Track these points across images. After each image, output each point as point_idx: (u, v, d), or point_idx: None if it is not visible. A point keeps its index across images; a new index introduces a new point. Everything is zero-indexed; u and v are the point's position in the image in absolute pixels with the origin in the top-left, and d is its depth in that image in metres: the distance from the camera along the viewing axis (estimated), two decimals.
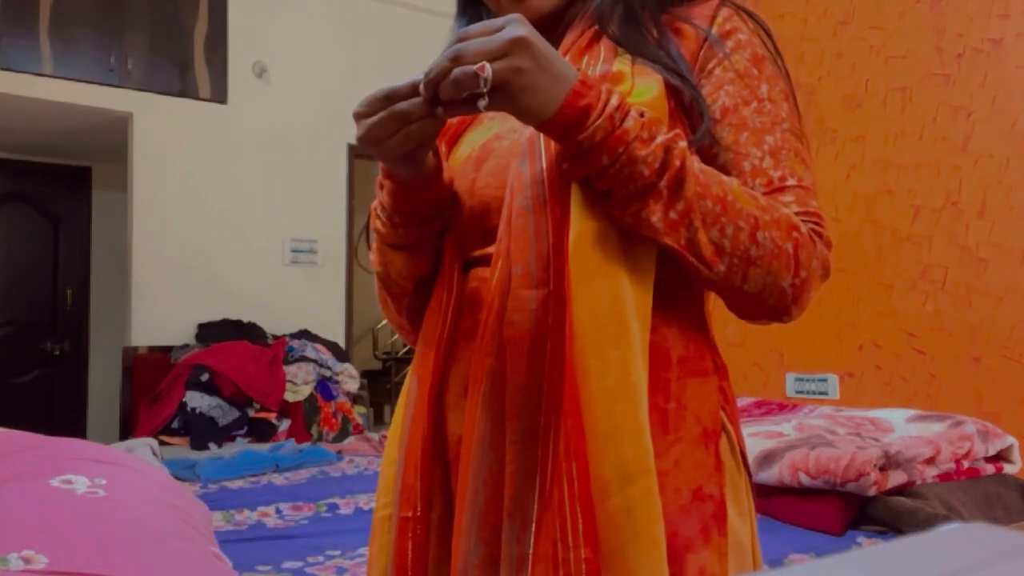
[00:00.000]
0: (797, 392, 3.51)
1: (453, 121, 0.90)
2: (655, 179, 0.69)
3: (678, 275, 0.75)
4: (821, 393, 3.42)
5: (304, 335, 4.39)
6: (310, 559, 1.88)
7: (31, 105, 4.07)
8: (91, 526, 1.23)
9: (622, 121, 0.69)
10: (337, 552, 1.93)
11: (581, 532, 0.68)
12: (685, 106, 0.78)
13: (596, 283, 0.71)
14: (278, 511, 2.35)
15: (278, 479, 2.87)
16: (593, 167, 0.70)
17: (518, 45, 0.65)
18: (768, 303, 0.75)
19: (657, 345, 0.75)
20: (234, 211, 4.41)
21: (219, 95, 4.39)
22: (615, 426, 0.68)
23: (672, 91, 0.77)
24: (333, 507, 2.40)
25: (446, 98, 0.66)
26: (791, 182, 0.76)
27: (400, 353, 6.66)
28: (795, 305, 0.76)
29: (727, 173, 0.76)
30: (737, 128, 0.78)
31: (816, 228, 0.75)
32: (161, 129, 4.25)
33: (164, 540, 1.29)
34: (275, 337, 4.29)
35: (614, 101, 0.69)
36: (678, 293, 0.78)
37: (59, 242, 5.38)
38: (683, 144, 0.70)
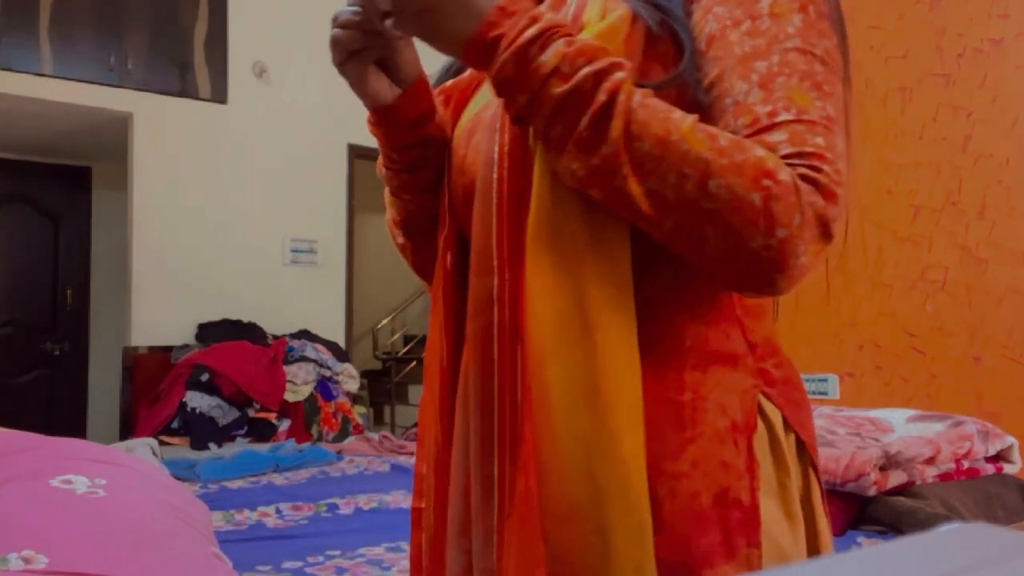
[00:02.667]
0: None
1: (459, 86, 0.84)
2: (576, 118, 0.60)
3: None
4: (821, 393, 3.42)
5: (304, 335, 4.39)
6: (310, 559, 1.88)
7: (31, 105, 4.07)
8: (91, 526, 1.23)
9: (539, 53, 0.60)
10: (337, 552, 1.93)
11: (541, 554, 0.62)
12: (664, 40, 0.66)
13: (556, 276, 0.63)
14: (278, 511, 2.35)
15: (278, 479, 2.87)
16: (512, 108, 0.63)
17: None
18: (740, 269, 0.60)
19: (662, 331, 0.66)
20: (234, 211, 4.41)
21: (219, 95, 4.39)
22: (580, 439, 0.61)
23: (641, 21, 0.65)
24: (333, 507, 2.40)
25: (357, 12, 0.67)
26: (784, 116, 0.60)
27: (400, 353, 6.66)
28: (780, 273, 0.59)
29: (713, 119, 0.63)
30: (722, 59, 0.63)
31: (809, 172, 0.59)
32: (161, 129, 4.25)
33: (164, 540, 1.29)
34: (275, 337, 4.29)
35: (531, 31, 0.61)
36: (686, 270, 0.66)
37: (59, 242, 5.38)
38: (619, 75, 0.60)
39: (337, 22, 0.72)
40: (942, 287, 3.07)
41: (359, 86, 0.77)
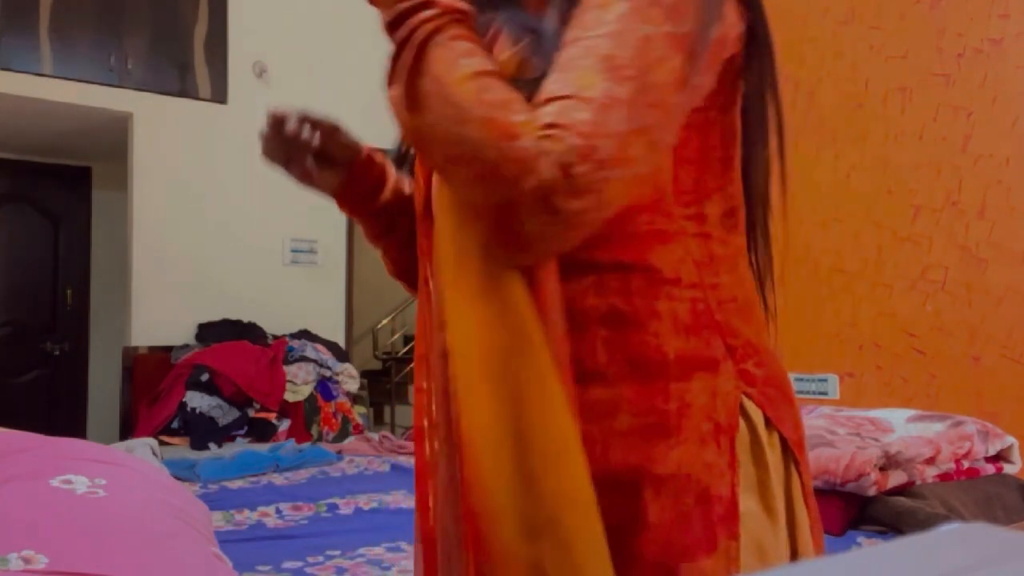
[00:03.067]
0: (797, 392, 3.50)
1: None
2: (392, 49, 0.65)
3: (668, 260, 0.70)
4: (821, 393, 3.42)
5: (304, 335, 4.39)
6: (310, 559, 1.88)
7: (31, 105, 4.07)
8: (91, 526, 1.23)
9: None
10: (337, 552, 1.93)
11: None
12: None
13: (469, 305, 0.66)
14: (278, 511, 2.35)
15: (278, 479, 2.87)
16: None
17: None
18: (484, 224, 0.63)
19: (647, 344, 0.69)
20: (234, 211, 4.41)
21: (219, 95, 4.39)
22: (506, 478, 0.63)
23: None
24: (333, 507, 2.40)
25: None
26: (563, 92, 0.60)
27: (400, 353, 6.66)
28: (502, 235, 0.62)
29: None
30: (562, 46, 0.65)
31: (552, 145, 0.58)
32: (161, 129, 4.25)
33: (164, 540, 1.29)
34: (275, 337, 4.29)
35: None
36: (663, 282, 0.70)
37: (59, 242, 5.38)
38: (426, 13, 0.63)
39: (262, 138, 0.85)
40: (942, 287, 3.07)
41: (306, 183, 0.89)
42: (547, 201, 0.58)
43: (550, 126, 0.59)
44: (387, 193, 0.90)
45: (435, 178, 0.74)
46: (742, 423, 0.70)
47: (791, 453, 0.73)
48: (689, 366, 0.69)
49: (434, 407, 0.75)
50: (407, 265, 0.92)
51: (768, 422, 0.72)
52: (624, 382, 0.69)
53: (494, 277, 0.66)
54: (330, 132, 0.88)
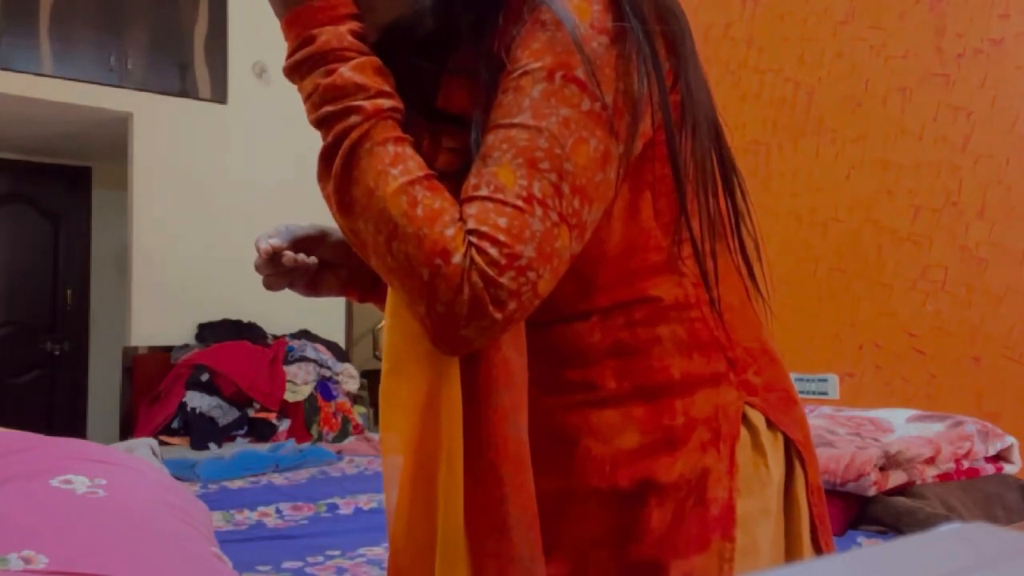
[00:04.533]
0: (797, 392, 3.51)
1: None
2: (322, 150, 0.66)
3: (666, 288, 0.72)
4: (821, 393, 3.42)
5: (304, 335, 4.39)
6: (310, 559, 1.88)
7: (31, 105, 4.07)
8: (91, 526, 1.23)
9: (300, 78, 0.67)
10: (337, 552, 1.93)
11: None
12: None
13: (404, 412, 0.70)
14: (278, 511, 2.35)
15: (278, 479, 2.87)
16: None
17: None
18: (420, 324, 0.65)
19: (653, 368, 0.72)
20: (234, 211, 4.40)
21: (219, 95, 4.39)
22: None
23: None
24: (333, 507, 2.40)
25: None
26: (482, 192, 0.62)
27: None
28: (443, 342, 0.64)
29: None
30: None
31: (476, 254, 0.61)
32: (161, 129, 4.25)
33: (164, 540, 1.29)
34: (275, 337, 4.29)
35: (301, 54, 0.66)
36: (664, 308, 0.73)
37: (59, 242, 5.38)
38: (353, 119, 0.64)
39: (259, 271, 0.85)
40: (942, 287, 3.07)
41: (314, 295, 0.90)
42: (481, 311, 0.61)
43: (473, 233, 0.61)
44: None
45: None
46: (743, 429, 0.74)
47: (796, 452, 0.76)
48: (693, 383, 0.73)
49: None
50: None
51: (771, 424, 0.75)
52: (633, 403, 0.72)
53: (432, 368, 0.68)
54: (319, 241, 0.89)
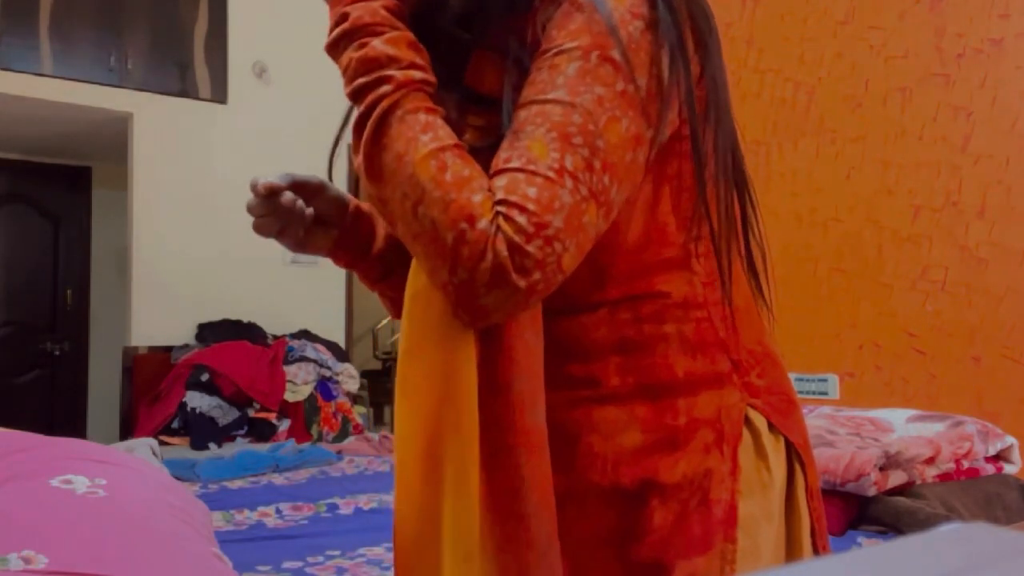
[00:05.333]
0: (797, 392, 3.50)
1: None
2: (355, 120, 0.67)
3: (676, 284, 0.73)
4: (821, 393, 3.42)
5: (304, 335, 4.39)
6: (310, 559, 1.88)
7: (31, 105, 4.07)
8: (91, 526, 1.23)
9: (337, 54, 0.69)
10: (337, 552, 1.93)
11: None
12: None
13: (415, 387, 0.68)
14: (278, 511, 2.35)
15: (278, 479, 2.87)
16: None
17: None
18: (442, 294, 0.65)
19: (657, 366, 0.72)
20: (234, 211, 4.39)
21: (219, 95, 4.39)
22: (421, 560, 0.67)
23: None
24: (333, 507, 2.40)
25: None
26: (513, 164, 0.63)
27: None
28: (463, 309, 0.63)
29: None
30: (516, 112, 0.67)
31: (504, 222, 0.61)
32: (161, 129, 4.25)
33: (164, 540, 1.29)
34: (275, 337, 4.29)
35: (337, 31, 0.68)
36: (672, 306, 0.73)
37: (59, 242, 5.38)
38: (383, 89, 0.65)
39: (252, 212, 0.81)
40: (942, 287, 3.07)
41: (301, 250, 0.86)
42: (503, 278, 0.61)
43: (502, 203, 0.61)
44: (379, 242, 0.88)
45: None
46: (745, 431, 0.74)
47: (797, 455, 0.76)
48: (697, 383, 0.73)
49: None
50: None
51: (772, 427, 0.75)
52: (636, 401, 0.72)
53: (448, 352, 0.66)
54: (317, 191, 0.86)
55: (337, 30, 0.68)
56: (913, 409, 2.50)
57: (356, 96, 0.67)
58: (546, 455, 0.68)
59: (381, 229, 0.88)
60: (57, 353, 5.30)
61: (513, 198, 0.61)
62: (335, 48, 0.69)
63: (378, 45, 0.66)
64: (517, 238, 0.60)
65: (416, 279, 0.69)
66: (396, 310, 0.93)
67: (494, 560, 0.65)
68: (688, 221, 0.73)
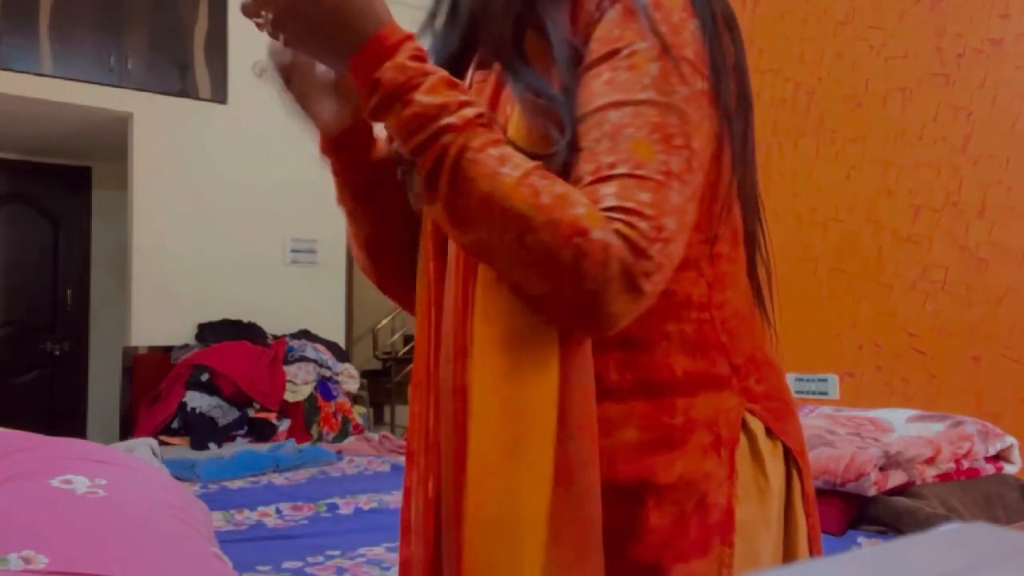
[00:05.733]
0: (797, 392, 3.51)
1: None
2: (419, 173, 0.66)
3: (683, 283, 0.72)
4: (821, 393, 3.42)
5: (304, 335, 4.39)
6: (310, 559, 1.88)
7: (31, 105, 4.07)
8: (91, 526, 1.23)
9: (382, 117, 0.66)
10: (337, 552, 1.93)
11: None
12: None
13: (496, 382, 0.67)
14: (278, 511, 2.35)
15: (278, 479, 2.87)
16: (405, 149, 0.67)
17: (281, 11, 0.67)
18: (560, 313, 0.66)
19: (657, 364, 0.72)
20: (234, 211, 4.40)
21: (219, 95, 4.39)
22: (494, 567, 0.65)
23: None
24: (333, 507, 2.40)
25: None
26: (621, 169, 0.63)
27: (400, 353, 6.66)
28: (592, 320, 0.64)
29: (571, 163, 0.68)
30: (585, 103, 0.67)
31: (624, 228, 0.61)
32: (161, 129, 4.24)
33: (164, 540, 1.29)
34: (275, 337, 4.29)
35: (374, 100, 0.66)
36: (676, 305, 0.73)
37: (59, 242, 5.38)
38: (446, 138, 0.64)
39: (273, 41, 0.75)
40: (942, 287, 3.07)
41: (302, 105, 0.83)
42: (632, 284, 0.62)
43: (616, 210, 0.62)
44: (377, 151, 0.85)
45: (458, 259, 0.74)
46: (742, 436, 0.74)
47: (794, 461, 0.77)
48: (695, 384, 0.73)
49: (429, 435, 0.77)
50: (378, 242, 0.88)
51: (770, 432, 0.76)
52: (634, 398, 0.72)
53: (538, 347, 0.66)
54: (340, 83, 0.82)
55: (374, 99, 0.66)
56: (913, 409, 2.50)
57: (417, 152, 0.65)
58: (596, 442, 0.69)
59: (379, 141, 0.85)
60: (57, 353, 5.30)
61: (629, 204, 0.62)
62: (375, 116, 0.67)
63: (423, 99, 0.65)
64: (642, 243, 0.61)
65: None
66: (367, 246, 0.89)
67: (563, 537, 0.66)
68: (704, 221, 0.73)
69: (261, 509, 2.36)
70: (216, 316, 4.29)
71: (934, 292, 3.10)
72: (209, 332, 4.19)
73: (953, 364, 3.02)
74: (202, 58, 4.34)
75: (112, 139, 4.46)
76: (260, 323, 4.35)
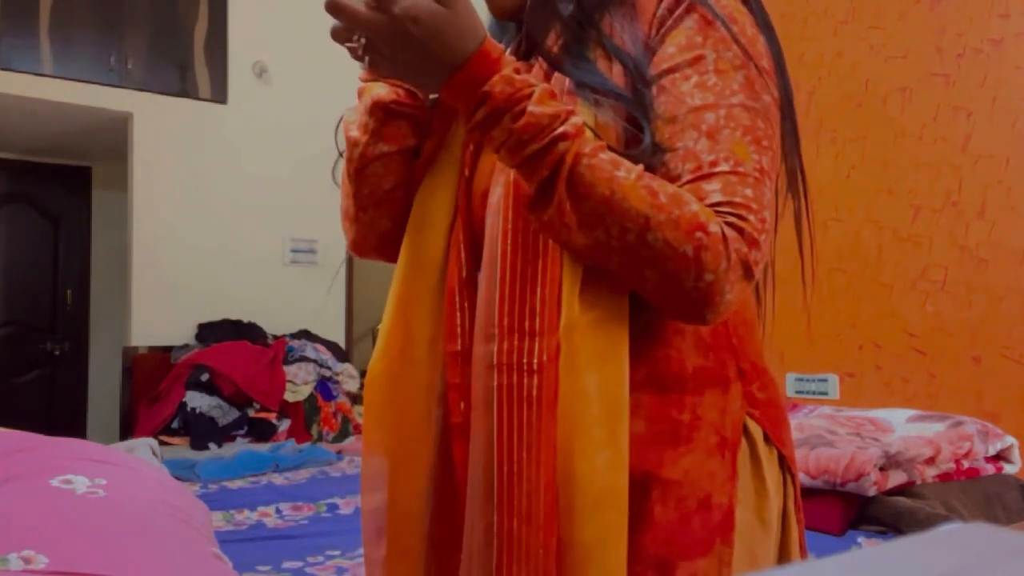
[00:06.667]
0: (797, 392, 3.51)
1: None
2: (529, 182, 0.68)
3: None
4: (821, 393, 3.42)
5: (304, 335, 4.39)
6: (310, 559, 1.88)
7: (31, 105, 4.07)
8: (91, 526, 1.23)
9: (491, 129, 0.67)
10: (337, 552, 1.93)
11: None
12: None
13: (593, 362, 0.69)
14: (278, 511, 2.35)
15: (278, 479, 2.86)
16: (508, 161, 0.70)
17: (379, 34, 0.66)
18: (675, 304, 0.69)
19: (670, 358, 0.74)
20: (234, 211, 4.40)
21: (219, 95, 4.39)
22: (600, 537, 0.67)
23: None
24: (333, 507, 2.40)
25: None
26: (723, 167, 0.68)
27: None
28: (708, 308, 0.67)
29: (665, 160, 0.71)
30: (675, 104, 0.70)
31: (736, 221, 0.66)
32: (161, 129, 4.24)
33: (164, 540, 1.29)
34: (275, 337, 4.29)
35: (481, 113, 0.67)
36: None
37: (59, 242, 5.38)
38: (562, 146, 0.66)
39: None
40: (942, 287, 3.07)
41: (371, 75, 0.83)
42: (748, 273, 0.67)
43: (724, 204, 0.67)
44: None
45: (510, 187, 0.74)
46: (743, 440, 0.76)
47: (787, 468, 0.80)
48: (704, 382, 0.75)
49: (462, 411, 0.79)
50: (387, 184, 0.90)
51: (768, 439, 0.78)
52: (644, 390, 0.73)
53: (622, 334, 0.70)
54: None
55: (481, 111, 0.67)
56: (913, 409, 2.50)
57: (529, 161, 0.67)
58: None
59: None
60: (57, 353, 5.30)
61: (737, 199, 0.67)
62: (479, 128, 0.68)
63: (536, 109, 0.66)
64: (755, 235, 0.67)
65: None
66: (369, 191, 0.91)
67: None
68: None
69: (261, 509, 2.36)
70: (216, 316, 4.29)
71: (934, 292, 3.10)
72: (209, 332, 4.19)
73: (953, 364, 3.02)
74: (202, 58, 4.34)
75: (112, 139, 4.46)
76: (260, 323, 4.35)
